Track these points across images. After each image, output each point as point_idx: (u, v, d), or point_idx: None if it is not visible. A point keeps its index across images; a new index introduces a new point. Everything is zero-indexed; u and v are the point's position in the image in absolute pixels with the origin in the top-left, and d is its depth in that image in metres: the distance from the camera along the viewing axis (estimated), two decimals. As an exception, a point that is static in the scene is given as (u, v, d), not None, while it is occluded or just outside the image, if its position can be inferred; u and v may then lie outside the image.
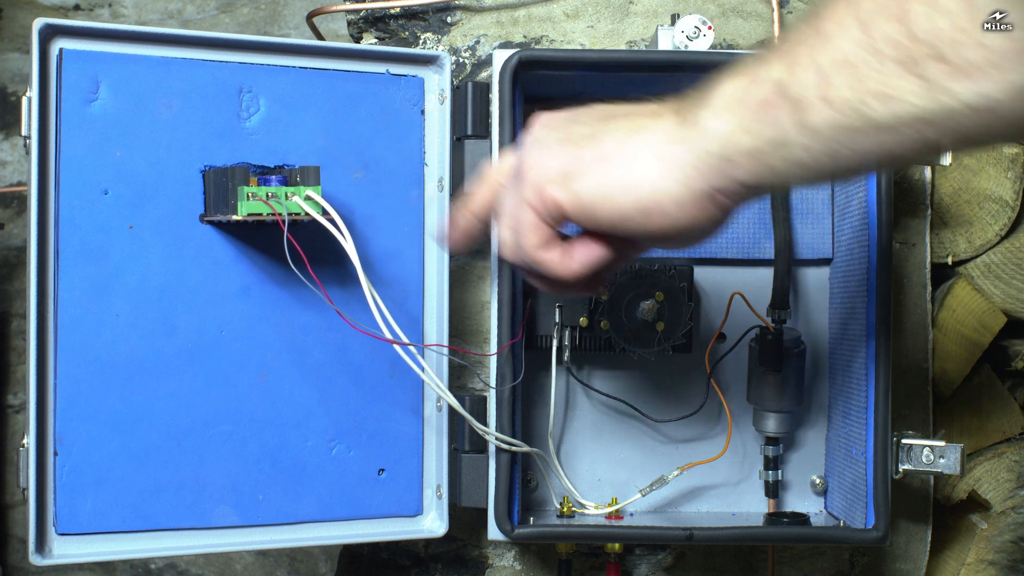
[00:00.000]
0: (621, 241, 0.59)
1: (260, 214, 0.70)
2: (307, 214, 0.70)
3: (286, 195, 0.70)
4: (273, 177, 0.71)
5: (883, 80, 0.44)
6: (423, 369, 0.78)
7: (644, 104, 0.58)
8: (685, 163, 0.52)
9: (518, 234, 0.58)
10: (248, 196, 0.70)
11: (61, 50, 0.72)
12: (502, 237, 0.60)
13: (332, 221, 0.71)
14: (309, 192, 0.70)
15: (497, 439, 0.79)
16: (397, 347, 0.74)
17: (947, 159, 0.84)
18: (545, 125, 0.60)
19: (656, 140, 0.53)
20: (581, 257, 0.59)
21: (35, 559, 0.72)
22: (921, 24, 0.42)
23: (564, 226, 0.59)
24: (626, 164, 0.54)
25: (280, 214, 0.70)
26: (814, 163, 0.48)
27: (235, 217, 0.70)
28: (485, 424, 0.81)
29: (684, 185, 0.52)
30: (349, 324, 0.73)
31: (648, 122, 0.55)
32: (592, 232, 0.59)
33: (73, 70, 0.73)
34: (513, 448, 0.79)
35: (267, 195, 0.70)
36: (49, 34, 0.72)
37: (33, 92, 0.71)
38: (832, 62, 0.46)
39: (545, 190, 0.56)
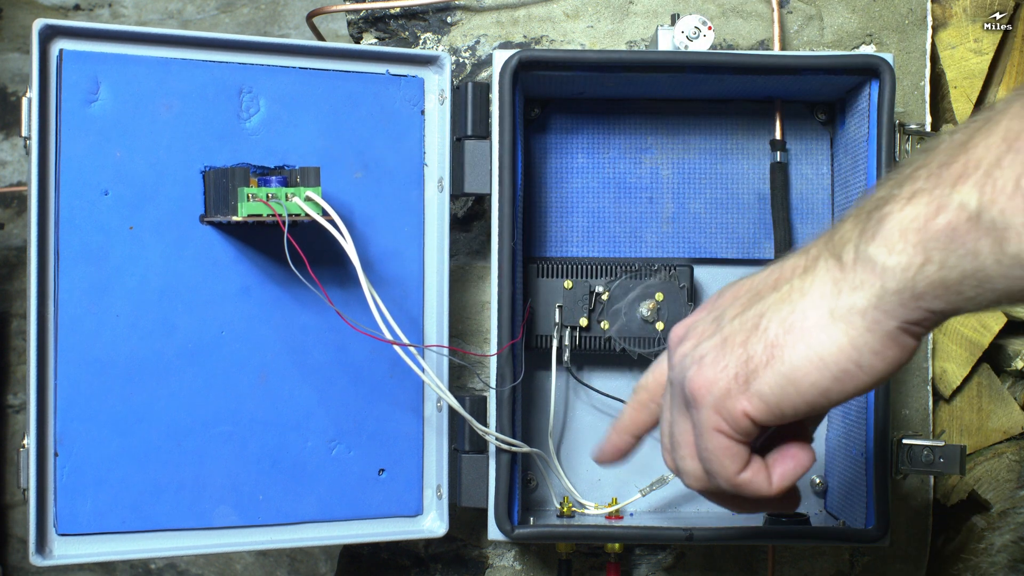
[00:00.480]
0: (811, 430, 0.56)
1: (260, 215, 0.70)
2: (307, 215, 0.70)
3: (286, 196, 0.70)
4: (273, 178, 0.71)
5: None
6: (423, 370, 0.78)
7: (778, 265, 0.52)
8: (867, 307, 0.47)
9: (710, 463, 0.53)
10: (248, 197, 0.70)
11: (61, 51, 0.72)
12: (685, 469, 0.55)
13: (332, 222, 0.71)
14: (309, 193, 0.70)
15: (497, 439, 0.79)
16: (397, 348, 0.74)
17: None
18: (688, 338, 0.54)
19: (823, 299, 0.48)
20: (783, 470, 0.54)
21: (35, 559, 0.72)
22: None
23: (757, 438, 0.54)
24: (802, 339, 0.48)
25: (280, 215, 0.69)
26: (1018, 289, 0.44)
27: (235, 218, 0.70)
28: (485, 424, 0.81)
29: (871, 331, 0.47)
30: (349, 325, 0.73)
31: (802, 284, 0.49)
32: (783, 435, 0.55)
33: (73, 71, 0.73)
34: (513, 448, 0.79)
35: (267, 196, 0.70)
36: (49, 35, 0.72)
37: (33, 93, 0.71)
38: None
39: (727, 406, 0.51)
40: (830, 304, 0.48)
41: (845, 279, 0.47)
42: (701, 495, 0.57)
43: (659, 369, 0.60)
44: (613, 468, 0.90)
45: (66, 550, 0.74)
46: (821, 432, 0.90)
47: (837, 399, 0.49)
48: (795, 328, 0.49)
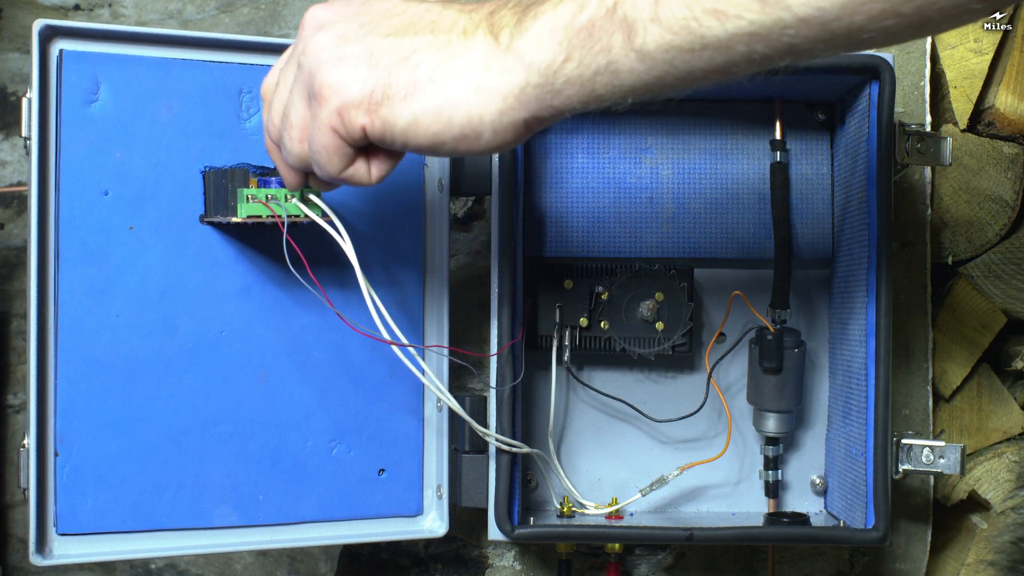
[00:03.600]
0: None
1: (259, 216, 0.70)
2: (306, 216, 0.70)
3: (285, 197, 0.70)
4: (273, 179, 0.71)
5: None
6: (423, 371, 0.78)
7: (437, 7, 0.55)
8: (507, 94, 0.51)
9: (318, 156, 0.57)
10: (248, 198, 0.70)
11: (61, 51, 0.72)
12: (290, 149, 0.59)
13: (331, 223, 0.71)
14: (308, 194, 0.70)
15: (497, 440, 0.79)
16: (396, 349, 0.74)
17: (947, 159, 0.84)
18: (328, 29, 0.55)
19: (473, 69, 0.52)
20: (379, 170, 0.59)
21: (35, 559, 0.72)
22: None
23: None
24: (442, 93, 0.52)
25: (280, 216, 0.69)
26: (640, 84, 0.48)
27: (234, 219, 0.70)
28: (485, 424, 0.81)
29: (503, 115, 0.52)
30: (349, 326, 0.73)
31: (461, 45, 0.53)
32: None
33: (73, 71, 0.73)
34: (513, 449, 0.79)
35: (266, 197, 0.70)
36: (49, 35, 0.72)
37: (33, 93, 0.71)
38: None
39: (350, 115, 0.54)
40: (478, 78, 0.52)
41: (496, 60, 0.51)
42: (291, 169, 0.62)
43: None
44: (611, 467, 0.90)
45: (66, 550, 0.74)
46: (821, 432, 0.90)
47: (447, 153, 0.54)
48: (440, 81, 0.52)
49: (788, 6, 0.43)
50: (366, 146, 0.58)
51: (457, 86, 0.52)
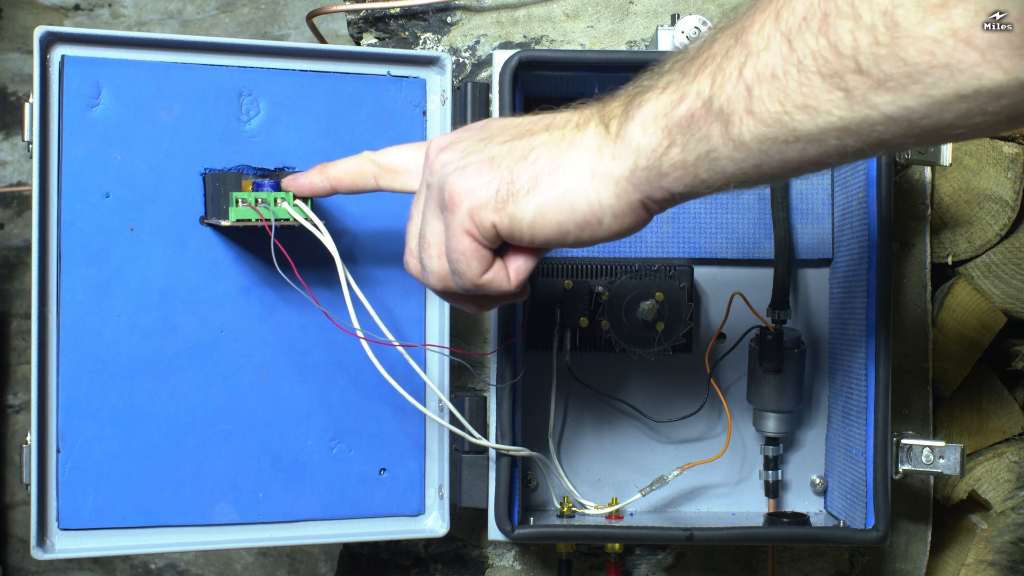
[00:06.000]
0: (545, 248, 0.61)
1: (249, 220, 0.70)
2: (295, 220, 0.70)
3: (275, 201, 0.70)
4: (266, 182, 0.71)
5: (807, 93, 0.46)
6: (425, 381, 0.78)
7: (549, 114, 0.58)
8: (620, 177, 0.54)
9: (457, 263, 0.59)
10: (237, 202, 0.70)
11: (63, 56, 0.72)
12: (431, 268, 0.61)
13: (318, 227, 0.71)
14: (298, 199, 0.71)
15: (497, 449, 0.79)
16: (401, 349, 0.74)
17: (947, 159, 0.84)
18: (452, 149, 0.59)
19: (588, 156, 0.55)
20: (516, 269, 0.60)
21: (36, 553, 0.72)
22: (844, 40, 0.44)
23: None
24: (561, 183, 0.55)
25: (268, 220, 0.70)
26: (740, 172, 0.50)
27: (224, 223, 0.71)
28: (486, 424, 0.81)
29: (619, 197, 0.54)
30: (337, 325, 0.73)
31: (574, 137, 0.55)
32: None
33: (74, 76, 0.73)
34: (512, 453, 0.79)
35: (256, 201, 0.70)
36: (51, 41, 0.72)
37: (35, 98, 0.72)
38: (758, 76, 0.47)
39: (480, 215, 0.56)
40: (592, 164, 0.54)
41: (607, 146, 0.54)
42: (439, 295, 0.63)
43: (403, 153, 0.66)
44: (611, 467, 0.90)
45: (67, 544, 0.74)
46: (821, 432, 0.90)
47: (573, 243, 0.56)
48: (559, 171, 0.55)
49: (875, 104, 0.44)
50: (501, 251, 0.60)
51: (575, 175, 0.55)
